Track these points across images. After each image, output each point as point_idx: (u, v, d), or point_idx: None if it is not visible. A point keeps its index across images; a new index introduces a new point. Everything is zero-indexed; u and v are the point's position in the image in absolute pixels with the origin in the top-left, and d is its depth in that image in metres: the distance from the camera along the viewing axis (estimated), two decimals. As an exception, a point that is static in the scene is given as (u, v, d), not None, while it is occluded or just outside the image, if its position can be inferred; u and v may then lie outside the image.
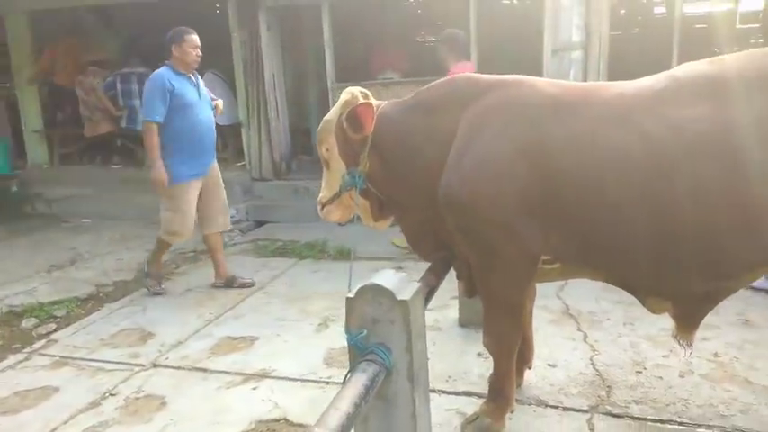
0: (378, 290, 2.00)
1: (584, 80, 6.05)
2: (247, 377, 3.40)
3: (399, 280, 2.09)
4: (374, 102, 2.79)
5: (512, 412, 2.76)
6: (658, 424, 2.76)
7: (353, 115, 2.58)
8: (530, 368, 3.12)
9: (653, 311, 2.55)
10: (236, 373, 3.43)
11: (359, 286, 2.03)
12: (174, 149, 4.47)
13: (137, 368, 3.53)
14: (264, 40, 6.83)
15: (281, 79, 7.21)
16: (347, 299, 2.04)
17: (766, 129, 2.00)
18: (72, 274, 5.39)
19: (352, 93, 2.78)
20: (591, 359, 3.36)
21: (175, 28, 4.58)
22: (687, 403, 2.90)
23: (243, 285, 4.81)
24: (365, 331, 1.98)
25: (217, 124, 4.82)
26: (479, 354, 3.45)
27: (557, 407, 2.93)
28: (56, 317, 4.39)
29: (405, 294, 2.00)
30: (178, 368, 3.54)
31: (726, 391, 2.99)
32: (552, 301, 4.17)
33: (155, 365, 3.57)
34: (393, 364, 2.01)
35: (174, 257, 5.78)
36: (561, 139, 2.27)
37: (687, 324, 2.48)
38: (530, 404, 2.96)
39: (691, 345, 2.54)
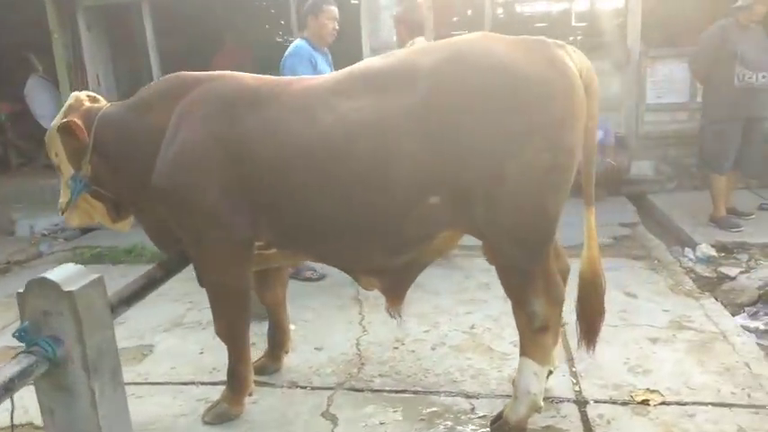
0: (44, 283, 2.02)
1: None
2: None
3: (75, 273, 2.13)
4: (101, 104, 2.83)
5: (250, 395, 2.86)
6: (393, 394, 2.95)
7: (65, 128, 2.61)
8: (286, 353, 3.23)
9: (366, 288, 2.76)
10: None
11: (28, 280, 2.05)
12: None
13: None
14: (86, 41, 6.62)
15: (109, 80, 7.01)
16: (17, 294, 2.05)
17: (421, 115, 2.19)
18: None
19: (77, 97, 2.81)
20: (358, 339, 3.53)
21: None
22: (427, 373, 3.12)
23: (307, 279, 4.50)
24: (26, 323, 2.00)
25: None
26: (252, 344, 3.53)
27: (305, 387, 3.06)
28: None
29: (72, 286, 2.04)
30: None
31: (466, 360, 3.24)
32: (346, 289, 4.32)
33: None
34: (66, 355, 2.03)
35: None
36: (253, 130, 2.40)
37: (393, 297, 2.69)
38: (281, 387, 3.08)
39: (401, 315, 2.75)
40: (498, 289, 4.09)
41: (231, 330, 2.71)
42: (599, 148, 6.20)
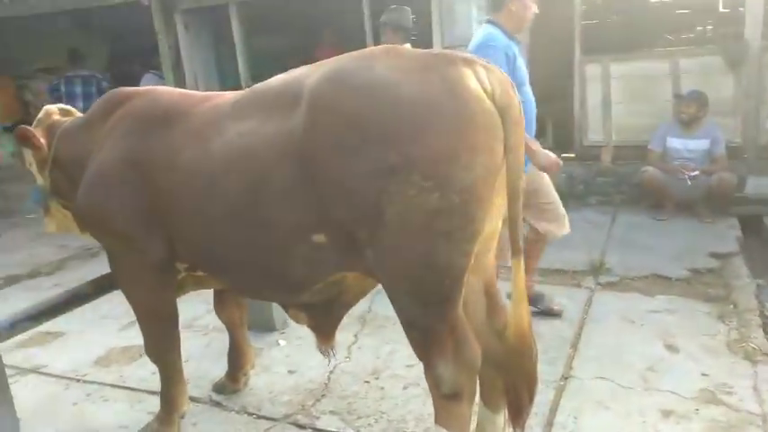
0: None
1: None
2: (22, 371, 3.56)
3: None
4: (69, 118, 2.88)
5: (182, 417, 2.78)
6: (331, 437, 2.72)
7: (17, 136, 2.69)
8: (245, 374, 3.12)
9: (296, 321, 2.55)
10: (11, 367, 3.59)
11: None
12: None
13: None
14: (183, 41, 7.00)
15: (212, 80, 7.35)
16: None
17: (297, 141, 1.92)
18: None
19: (47, 111, 2.89)
20: (335, 367, 3.31)
21: None
22: (380, 417, 2.83)
23: (549, 312, 3.76)
24: None
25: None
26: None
27: (253, 414, 2.93)
28: None
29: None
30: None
31: (431, 407, 2.86)
32: (359, 306, 4.10)
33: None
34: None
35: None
36: (158, 151, 2.29)
37: (322, 333, 2.49)
38: (230, 410, 2.97)
39: (334, 351, 2.53)
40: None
41: (158, 351, 2.66)
42: (706, 158, 5.28)
